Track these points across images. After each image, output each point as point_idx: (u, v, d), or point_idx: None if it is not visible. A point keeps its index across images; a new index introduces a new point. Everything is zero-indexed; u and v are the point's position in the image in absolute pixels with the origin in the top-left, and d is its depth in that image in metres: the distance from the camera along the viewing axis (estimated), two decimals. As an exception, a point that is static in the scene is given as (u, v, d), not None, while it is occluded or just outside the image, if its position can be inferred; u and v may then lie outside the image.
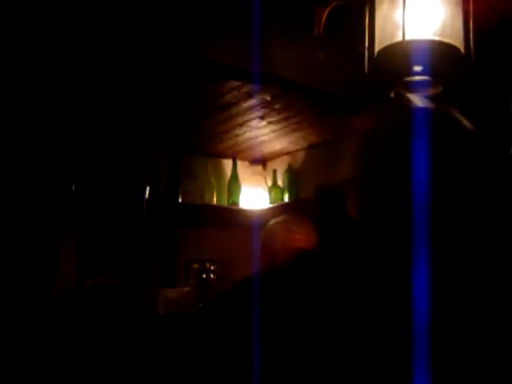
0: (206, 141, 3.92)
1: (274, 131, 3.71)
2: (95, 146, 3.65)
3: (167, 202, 3.81)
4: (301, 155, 4.17)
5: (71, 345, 1.54)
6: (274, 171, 4.23)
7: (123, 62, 2.63)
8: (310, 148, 4.08)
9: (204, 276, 2.52)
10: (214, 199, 4.15)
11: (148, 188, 3.58)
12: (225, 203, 4.21)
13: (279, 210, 3.89)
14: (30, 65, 2.66)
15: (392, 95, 1.94)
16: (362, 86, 2.25)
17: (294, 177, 4.14)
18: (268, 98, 3.09)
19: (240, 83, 2.84)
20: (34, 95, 3.03)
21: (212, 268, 2.36)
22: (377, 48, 1.87)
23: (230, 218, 4.10)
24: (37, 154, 3.45)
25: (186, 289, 2.10)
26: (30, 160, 3.42)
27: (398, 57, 1.82)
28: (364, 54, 1.90)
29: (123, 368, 1.73)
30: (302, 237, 2.45)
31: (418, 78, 1.85)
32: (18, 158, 3.39)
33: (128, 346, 1.77)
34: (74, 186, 3.48)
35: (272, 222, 2.59)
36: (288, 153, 4.20)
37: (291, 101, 3.16)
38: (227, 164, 4.31)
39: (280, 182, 4.21)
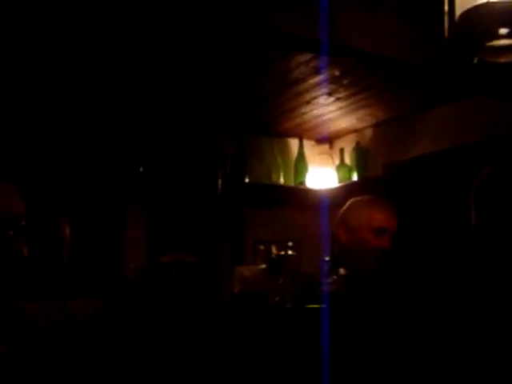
0: (273, 120, 3.86)
1: (341, 108, 3.62)
2: (163, 128, 3.65)
3: (234, 182, 3.78)
4: (369, 132, 4.07)
5: (148, 321, 1.52)
6: (342, 150, 4.14)
7: (191, 38, 2.59)
8: (378, 125, 3.97)
9: (272, 257, 2.47)
10: (281, 179, 4.10)
11: (218, 168, 3.56)
12: (292, 183, 4.16)
13: (347, 189, 3.82)
14: (97, 49, 2.66)
15: (475, 62, 1.83)
16: (440, 54, 2.14)
17: (362, 155, 4.05)
18: (336, 73, 3.01)
19: (308, 57, 2.77)
20: (102, 77, 3.03)
21: (280, 249, 2.31)
22: (458, 11, 1.77)
23: (298, 197, 4.04)
24: (107, 138, 3.47)
25: (260, 266, 2.06)
26: (100, 145, 3.45)
27: (483, 19, 1.71)
28: (444, 18, 1.81)
29: (200, 345, 1.71)
30: (385, 216, 2.42)
31: (504, 41, 1.74)
32: (90, 143, 3.42)
33: (205, 323, 1.74)
34: (141, 168, 3.49)
35: (354, 199, 2.56)
36: (355, 130, 4.10)
37: (360, 75, 3.07)
38: (293, 144, 4.25)
39: (348, 161, 4.12)
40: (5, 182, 1.14)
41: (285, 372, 1.81)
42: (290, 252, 2.19)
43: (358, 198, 2.57)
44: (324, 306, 1.89)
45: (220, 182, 3.48)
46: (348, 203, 2.57)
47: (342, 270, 2.18)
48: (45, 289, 1.59)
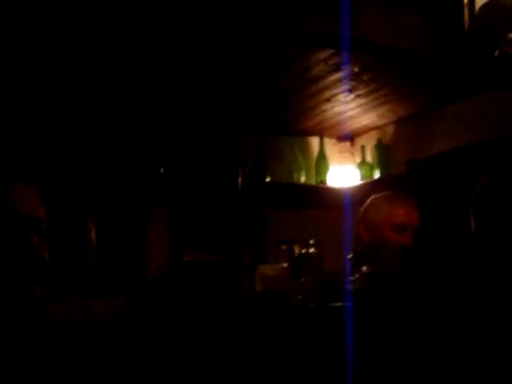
0: (293, 118, 3.85)
1: (361, 105, 3.59)
2: (183, 129, 3.66)
3: (255, 182, 3.78)
4: (390, 129, 4.04)
5: (169, 321, 1.51)
6: (363, 147, 4.11)
7: (211, 37, 2.59)
8: (399, 121, 3.94)
9: (295, 256, 2.46)
10: (302, 178, 4.08)
11: (238, 167, 3.56)
12: (313, 182, 4.14)
13: (369, 186, 3.79)
14: (119, 50, 2.67)
15: (496, 54, 1.81)
16: (459, 48, 2.12)
17: (384, 152, 4.02)
18: (356, 69, 2.99)
19: (327, 54, 2.75)
20: (126, 78, 3.05)
21: (302, 248, 2.30)
22: (478, 3, 1.75)
23: (319, 196, 4.03)
24: (128, 141, 3.49)
25: (282, 265, 2.04)
26: (122, 147, 3.47)
27: (504, 11, 1.69)
28: (463, 10, 1.78)
29: (222, 345, 1.70)
30: (406, 212, 2.39)
31: (526, 33, 1.72)
32: (113, 145, 3.44)
33: (227, 323, 1.73)
34: (162, 169, 3.50)
35: (374, 196, 2.54)
36: (376, 127, 4.07)
37: (379, 71, 3.04)
38: (314, 142, 4.23)
39: (369, 158, 4.10)
40: (26, 185, 1.15)
41: (307, 371, 1.79)
42: (312, 250, 2.17)
43: (378, 195, 2.55)
44: (347, 304, 1.87)
45: (240, 181, 3.48)
46: (368, 200, 2.55)
47: (364, 268, 2.16)
48: (69, 291, 1.59)
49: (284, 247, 4.11)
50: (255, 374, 1.76)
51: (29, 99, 3.12)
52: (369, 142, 4.13)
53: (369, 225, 2.44)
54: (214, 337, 1.68)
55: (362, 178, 4.05)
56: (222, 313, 1.69)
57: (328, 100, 3.46)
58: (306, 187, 4.08)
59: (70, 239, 1.64)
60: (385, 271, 2.23)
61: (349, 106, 3.60)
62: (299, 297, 1.92)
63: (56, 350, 1.27)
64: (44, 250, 1.13)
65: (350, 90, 3.30)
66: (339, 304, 1.88)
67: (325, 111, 3.68)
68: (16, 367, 1.07)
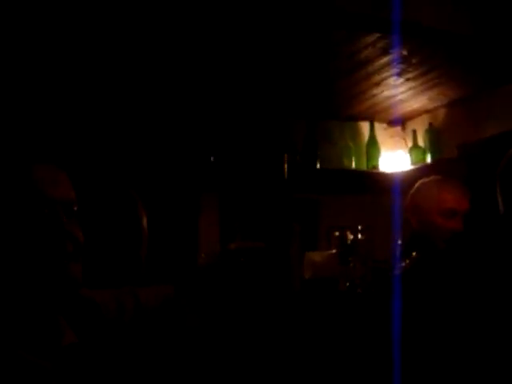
0: (343, 103, 3.82)
1: (412, 88, 3.54)
2: (232, 116, 3.68)
3: (305, 168, 3.77)
4: (441, 113, 3.97)
5: (218, 308, 1.53)
6: (414, 131, 4.05)
7: (259, 23, 2.59)
8: (451, 105, 3.86)
9: (347, 243, 2.45)
10: (353, 164, 4.06)
11: (286, 155, 3.56)
12: (364, 167, 4.10)
13: (421, 171, 3.73)
14: (163, 39, 2.70)
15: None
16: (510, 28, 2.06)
17: (436, 136, 3.95)
18: (404, 53, 2.94)
19: (375, 37, 2.72)
20: (175, 65, 3.08)
21: (354, 235, 2.28)
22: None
23: (370, 182, 4.00)
24: (179, 130, 3.53)
25: (331, 252, 2.05)
26: (173, 136, 3.51)
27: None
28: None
29: (272, 331, 1.72)
30: (455, 197, 2.35)
31: None
32: (164, 135, 3.49)
33: (277, 309, 1.75)
34: (212, 158, 3.53)
35: (422, 181, 2.50)
36: (427, 111, 4.00)
37: (428, 53, 2.99)
38: (364, 127, 4.20)
39: (421, 143, 4.03)
40: (56, 169, 1.17)
41: (355, 355, 1.79)
42: (360, 237, 2.16)
43: (427, 180, 2.50)
44: (395, 290, 1.86)
45: (286, 167, 3.47)
46: (416, 185, 2.51)
47: (414, 254, 2.14)
48: (121, 278, 1.62)
49: (336, 234, 4.10)
50: (305, 359, 1.77)
51: (81, 84, 3.18)
52: (420, 126, 4.07)
53: (417, 210, 2.41)
54: (263, 323, 1.69)
55: (414, 162, 4.00)
56: (271, 299, 1.70)
57: (377, 84, 3.42)
58: (357, 173, 4.06)
59: (122, 227, 1.67)
60: (434, 256, 2.19)
61: (399, 90, 3.55)
62: (347, 283, 1.92)
63: (105, 338, 1.30)
64: (77, 230, 1.15)
65: (400, 74, 3.25)
66: (387, 290, 1.87)
67: (375, 95, 3.65)
68: (62, 354, 1.09)
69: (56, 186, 1.14)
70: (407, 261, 2.12)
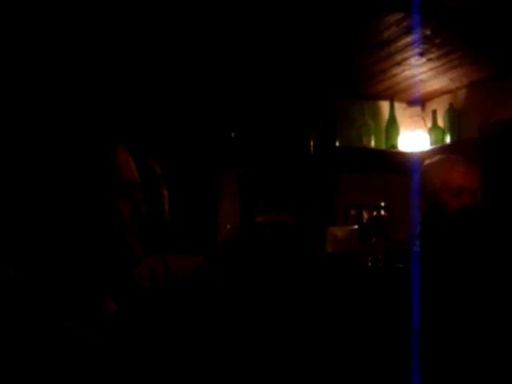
0: (363, 82, 3.83)
1: (433, 69, 3.54)
2: (254, 91, 3.71)
3: (324, 146, 3.79)
4: (462, 93, 3.97)
5: (247, 277, 1.58)
6: (434, 111, 4.06)
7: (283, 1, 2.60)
8: (472, 85, 3.86)
9: (364, 221, 2.48)
10: (372, 143, 4.08)
11: (312, 132, 3.58)
12: (383, 146, 4.12)
13: (440, 152, 3.74)
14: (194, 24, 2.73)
15: None
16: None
17: (456, 117, 3.96)
18: (428, 33, 2.95)
19: (399, 17, 2.73)
20: (198, 45, 3.11)
21: (377, 211, 2.31)
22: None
23: (389, 161, 4.01)
24: (200, 105, 3.57)
25: (352, 227, 2.08)
26: (194, 111, 3.54)
27: None
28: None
29: (295, 302, 1.76)
30: (462, 174, 2.30)
31: None
32: (185, 110, 3.52)
33: (301, 278, 1.79)
34: (233, 134, 3.56)
35: (428, 161, 2.47)
36: (448, 91, 4.00)
37: (452, 34, 2.99)
38: (384, 106, 4.21)
39: (440, 123, 4.04)
40: (129, 153, 1.19)
41: (373, 327, 1.84)
42: (382, 213, 2.19)
43: (432, 161, 2.45)
44: (414, 266, 1.90)
45: (312, 144, 3.49)
46: (422, 167, 2.46)
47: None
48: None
49: (353, 212, 4.14)
50: (325, 329, 1.81)
51: (109, 64, 3.22)
52: (440, 106, 4.08)
53: (425, 191, 2.37)
54: (287, 292, 1.74)
55: (433, 142, 4.01)
56: (295, 270, 1.74)
57: (399, 64, 3.43)
58: (376, 152, 4.07)
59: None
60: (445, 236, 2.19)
61: (420, 70, 3.55)
62: (370, 258, 1.95)
63: (140, 305, 1.35)
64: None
65: (422, 54, 3.26)
66: (407, 265, 1.91)
67: (395, 75, 3.65)
68: (105, 321, 1.13)
69: (132, 169, 1.17)
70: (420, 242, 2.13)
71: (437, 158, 2.47)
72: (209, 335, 1.54)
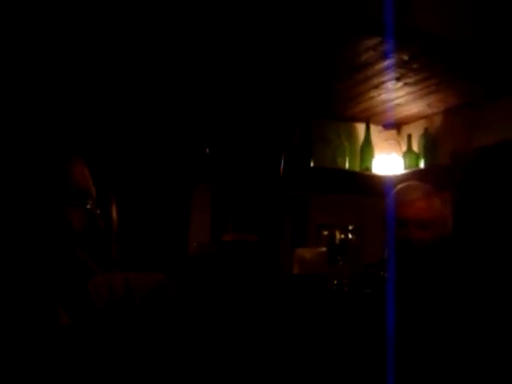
0: (340, 104, 3.84)
1: (410, 93, 3.57)
2: (230, 109, 3.70)
3: (299, 165, 3.79)
4: (438, 119, 4.00)
5: (210, 296, 1.56)
6: (409, 136, 4.08)
7: (259, 21, 2.60)
8: (448, 111, 3.89)
9: (337, 242, 2.47)
10: (347, 164, 4.08)
11: (283, 152, 3.58)
12: (357, 168, 4.13)
13: (414, 176, 3.76)
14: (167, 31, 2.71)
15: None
16: None
17: (431, 142, 3.98)
18: (405, 58, 2.97)
19: (377, 41, 2.74)
20: (173, 62, 3.09)
21: (344, 234, 2.30)
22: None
23: (363, 183, 4.02)
24: (175, 120, 3.55)
25: (320, 249, 2.07)
26: (168, 125, 3.52)
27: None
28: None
29: (260, 321, 1.74)
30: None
31: None
32: (160, 125, 3.50)
33: (264, 301, 1.77)
34: (207, 149, 3.55)
35: (396, 187, 2.40)
36: (424, 116, 4.03)
37: (430, 60, 3.02)
38: (360, 128, 4.22)
39: (415, 147, 4.06)
40: (85, 165, 1.19)
41: (338, 349, 1.82)
42: (351, 237, 2.18)
43: (396, 188, 2.40)
44: (383, 291, 1.89)
45: (282, 164, 3.49)
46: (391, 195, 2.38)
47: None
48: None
49: (325, 232, 4.13)
50: (289, 349, 1.79)
51: (74, 75, 3.18)
52: (415, 131, 4.10)
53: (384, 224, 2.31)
54: (251, 312, 1.72)
55: (407, 167, 4.03)
56: (259, 290, 1.72)
57: (376, 87, 3.45)
58: (350, 173, 4.07)
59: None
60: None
61: (397, 94, 3.58)
62: (335, 281, 1.94)
63: (95, 320, 1.32)
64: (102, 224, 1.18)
65: (399, 78, 3.28)
66: (374, 290, 1.90)
67: (372, 98, 3.67)
68: (58, 334, 1.12)
69: (86, 179, 1.17)
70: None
71: (400, 185, 2.42)
72: (168, 352, 1.52)
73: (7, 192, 1.07)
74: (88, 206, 1.15)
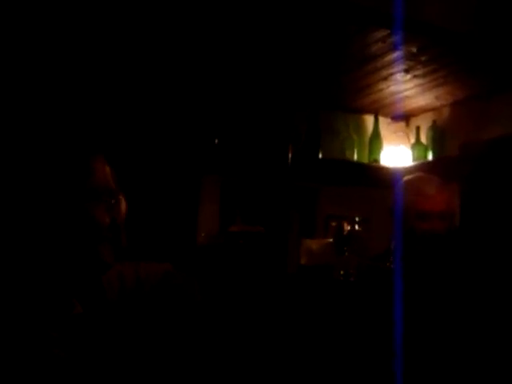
0: (348, 96, 3.85)
1: (418, 85, 3.57)
2: (239, 101, 3.71)
3: (307, 157, 3.80)
4: (446, 111, 4.00)
5: (217, 286, 1.58)
6: (418, 128, 4.09)
7: (269, 13, 2.61)
8: (457, 104, 3.89)
9: (344, 233, 2.47)
10: (355, 156, 4.09)
11: (291, 144, 3.59)
12: (365, 160, 4.14)
13: (422, 168, 3.77)
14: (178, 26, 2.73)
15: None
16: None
17: (439, 134, 3.99)
18: (414, 50, 2.97)
19: (385, 33, 2.74)
20: (182, 53, 3.10)
21: (351, 226, 2.31)
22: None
23: (371, 175, 4.03)
24: (184, 111, 3.56)
25: (327, 240, 2.09)
26: (178, 116, 3.54)
27: None
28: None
29: (267, 310, 1.76)
30: (428, 198, 2.20)
31: None
32: (169, 117, 3.52)
33: (271, 291, 1.79)
34: (216, 140, 3.56)
35: (405, 178, 2.38)
36: (433, 109, 4.03)
37: (438, 52, 3.02)
38: (369, 120, 4.22)
39: (423, 140, 4.07)
40: (106, 162, 1.22)
41: (344, 339, 1.84)
42: (357, 228, 2.19)
43: (406, 179, 2.37)
44: (388, 281, 1.91)
45: (290, 156, 3.50)
46: (399, 184, 2.37)
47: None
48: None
49: (333, 223, 4.14)
50: (296, 338, 1.81)
51: (87, 71, 3.21)
52: (424, 123, 4.10)
53: (394, 217, 2.26)
54: (256, 302, 1.74)
55: (415, 159, 4.03)
56: (266, 281, 1.75)
57: (385, 79, 3.45)
58: (358, 165, 4.09)
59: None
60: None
61: (405, 86, 3.58)
62: (342, 272, 1.96)
63: (107, 309, 1.35)
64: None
65: (407, 70, 3.28)
66: (379, 281, 1.91)
67: (381, 90, 3.67)
68: (71, 323, 1.14)
69: (109, 176, 1.20)
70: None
71: (411, 176, 2.40)
72: (176, 341, 1.54)
73: (35, 189, 1.10)
74: (111, 202, 1.19)
